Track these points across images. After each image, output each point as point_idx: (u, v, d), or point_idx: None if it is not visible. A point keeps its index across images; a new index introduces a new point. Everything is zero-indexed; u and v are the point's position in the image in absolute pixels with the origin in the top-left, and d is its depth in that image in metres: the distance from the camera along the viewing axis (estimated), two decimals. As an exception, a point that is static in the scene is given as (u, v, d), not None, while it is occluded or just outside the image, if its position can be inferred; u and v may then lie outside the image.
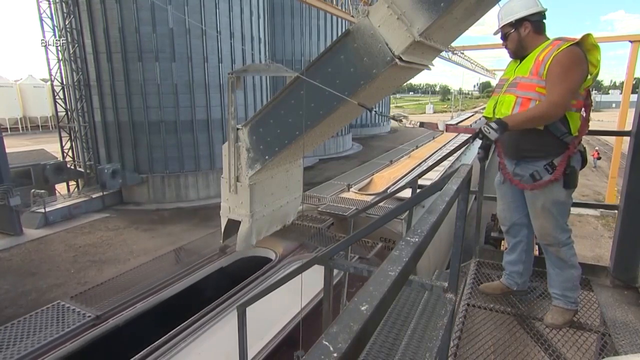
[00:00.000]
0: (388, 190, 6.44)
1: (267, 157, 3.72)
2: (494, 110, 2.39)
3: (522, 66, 2.29)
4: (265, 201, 4.15)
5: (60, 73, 15.31)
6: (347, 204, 5.44)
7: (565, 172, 2.21)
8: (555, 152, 2.23)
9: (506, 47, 2.38)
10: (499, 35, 2.39)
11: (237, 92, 3.80)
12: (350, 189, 6.53)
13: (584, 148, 2.33)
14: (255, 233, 4.14)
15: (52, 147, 18.22)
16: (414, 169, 8.62)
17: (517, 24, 2.25)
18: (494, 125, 2.10)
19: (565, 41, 2.11)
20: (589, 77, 2.12)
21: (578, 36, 2.16)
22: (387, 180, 7.38)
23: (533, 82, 2.18)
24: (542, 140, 2.23)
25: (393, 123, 39.85)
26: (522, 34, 2.26)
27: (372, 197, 6.03)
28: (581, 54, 2.07)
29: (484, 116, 2.54)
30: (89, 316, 3.04)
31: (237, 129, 3.79)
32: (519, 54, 2.34)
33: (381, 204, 4.64)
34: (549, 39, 2.24)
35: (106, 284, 3.57)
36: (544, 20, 2.27)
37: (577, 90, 2.11)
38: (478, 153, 2.40)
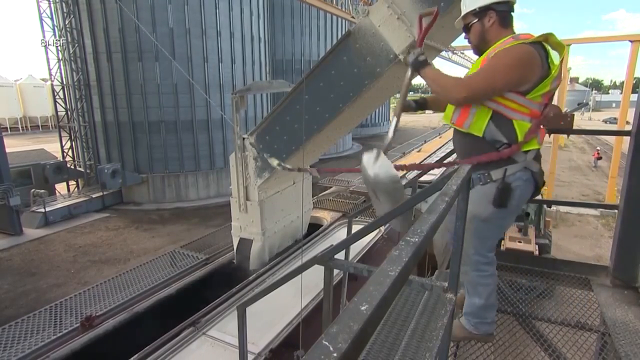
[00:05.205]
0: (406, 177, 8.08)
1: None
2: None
3: (475, 65, 1.97)
4: (276, 217, 4.20)
5: (60, 73, 15.32)
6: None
7: (497, 187, 1.84)
8: (495, 164, 1.85)
9: (468, 41, 2.00)
10: (461, 26, 2.01)
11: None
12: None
13: (540, 170, 1.92)
14: (268, 250, 4.16)
15: (52, 147, 18.22)
16: (425, 159, 10.60)
17: (481, 13, 1.89)
18: (418, 52, 1.86)
19: (517, 39, 1.79)
20: (545, 80, 1.76)
21: (561, 37, 1.86)
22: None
23: None
24: (474, 146, 1.89)
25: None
26: (486, 25, 1.89)
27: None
28: (530, 55, 1.72)
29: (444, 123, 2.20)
30: (200, 258, 4.34)
31: (244, 138, 3.80)
32: (482, 49, 1.94)
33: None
34: (514, 33, 1.90)
35: (207, 236, 5.11)
36: (512, 13, 1.92)
37: (499, 91, 1.76)
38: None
